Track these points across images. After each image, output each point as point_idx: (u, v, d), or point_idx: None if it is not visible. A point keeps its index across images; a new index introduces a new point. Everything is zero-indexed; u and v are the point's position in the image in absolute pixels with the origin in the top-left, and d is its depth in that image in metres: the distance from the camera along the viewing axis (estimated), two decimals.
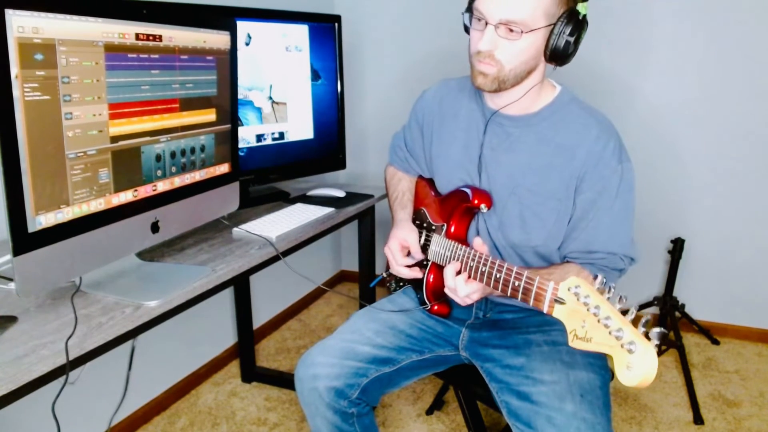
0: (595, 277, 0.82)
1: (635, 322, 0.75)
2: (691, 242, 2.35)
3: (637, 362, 0.70)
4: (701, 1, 2.17)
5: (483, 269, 1.05)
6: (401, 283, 1.41)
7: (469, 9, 1.12)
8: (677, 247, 2.19)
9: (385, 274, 1.43)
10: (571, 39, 1.06)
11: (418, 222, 1.35)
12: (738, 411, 1.97)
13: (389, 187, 1.49)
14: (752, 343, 2.42)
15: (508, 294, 0.99)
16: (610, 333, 0.75)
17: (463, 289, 1.08)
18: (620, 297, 0.78)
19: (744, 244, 2.35)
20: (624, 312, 0.77)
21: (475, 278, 1.07)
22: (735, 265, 2.38)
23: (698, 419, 1.90)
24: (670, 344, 2.16)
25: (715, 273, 2.41)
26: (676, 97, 2.29)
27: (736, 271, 2.38)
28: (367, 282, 1.99)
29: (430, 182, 1.38)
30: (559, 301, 0.85)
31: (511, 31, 1.05)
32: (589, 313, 0.78)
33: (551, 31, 1.06)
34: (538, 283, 0.92)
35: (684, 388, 2.08)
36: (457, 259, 1.12)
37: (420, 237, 1.31)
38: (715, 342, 2.42)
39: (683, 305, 2.29)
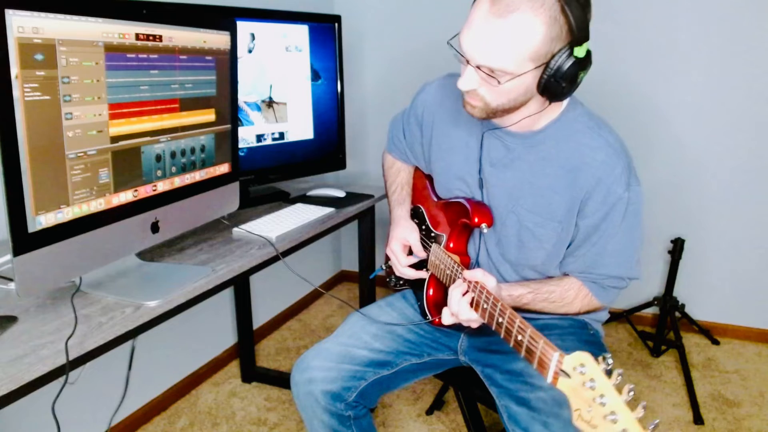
0: (603, 358, 0.76)
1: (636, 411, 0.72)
2: (691, 242, 2.35)
3: None
4: (707, 2, 2.17)
5: (485, 306, 0.99)
6: (401, 281, 1.40)
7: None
8: (677, 247, 2.19)
9: (384, 267, 1.42)
10: (564, 82, 0.96)
11: (416, 220, 1.34)
12: (738, 411, 1.97)
13: (387, 176, 1.46)
14: (752, 343, 2.42)
15: (510, 345, 0.92)
16: (617, 431, 0.71)
17: (464, 314, 1.03)
18: (630, 390, 0.73)
19: (744, 244, 2.35)
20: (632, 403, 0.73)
21: (476, 310, 1.02)
22: (735, 265, 2.38)
23: (698, 419, 1.90)
24: (670, 344, 2.16)
25: (715, 273, 2.41)
26: (677, 97, 2.29)
27: (736, 271, 2.38)
28: (367, 282, 1.99)
29: (429, 178, 1.36)
30: (564, 373, 0.80)
31: (491, 75, 0.96)
32: (595, 403, 0.74)
33: (543, 71, 0.96)
34: (542, 349, 0.84)
35: (684, 388, 2.08)
36: (455, 282, 1.08)
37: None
38: (715, 342, 2.42)
39: (683, 305, 2.29)
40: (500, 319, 0.94)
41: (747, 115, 2.22)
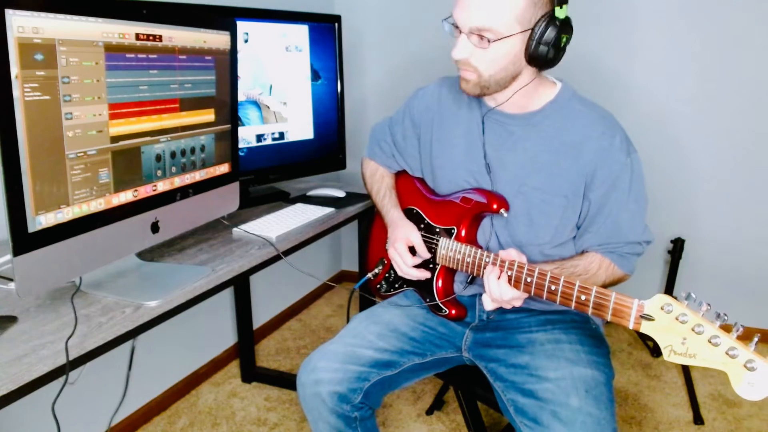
0: (687, 296, 0.85)
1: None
2: (691, 242, 2.35)
3: (761, 379, 0.77)
4: (707, 2, 2.17)
5: (529, 279, 1.04)
6: (396, 285, 1.40)
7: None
8: (677, 247, 2.19)
9: (371, 276, 1.41)
10: (548, 47, 1.04)
11: (411, 222, 1.35)
12: (738, 411, 1.97)
13: (371, 183, 1.48)
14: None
15: (572, 307, 0.99)
16: (722, 352, 0.79)
17: (508, 294, 1.08)
18: (718, 314, 0.82)
19: (744, 244, 2.35)
20: (724, 328, 0.81)
21: (518, 288, 1.07)
22: (735, 265, 2.38)
23: (698, 419, 1.90)
24: None
25: (715, 273, 2.41)
26: (676, 95, 2.29)
27: (736, 271, 2.38)
28: (361, 287, 1.97)
29: (420, 181, 1.38)
30: (646, 317, 0.88)
31: (481, 38, 1.04)
32: (692, 332, 0.82)
33: (529, 37, 1.05)
34: (617, 300, 0.93)
35: (684, 388, 2.08)
36: (485, 266, 1.12)
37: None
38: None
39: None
40: (553, 287, 1.01)
41: (747, 116, 2.22)
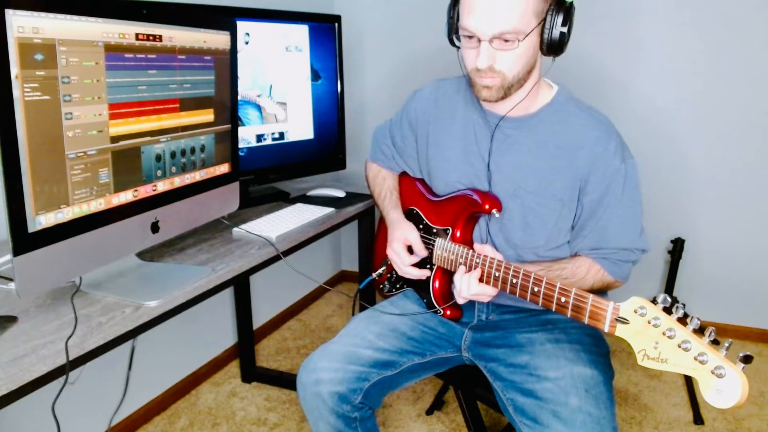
0: (663, 299, 0.83)
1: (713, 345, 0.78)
2: (691, 242, 2.35)
3: (729, 386, 0.73)
4: (708, 2, 2.17)
5: (515, 281, 1.05)
6: (398, 285, 1.40)
7: (454, 29, 1.13)
8: (677, 247, 2.19)
9: (375, 276, 1.42)
10: (565, 29, 1.06)
11: (411, 222, 1.35)
12: (738, 411, 1.97)
13: (374, 185, 1.49)
14: (752, 343, 2.42)
15: (552, 309, 0.99)
16: (691, 357, 0.77)
17: (474, 289, 1.11)
18: (691, 317, 0.79)
19: (744, 244, 2.35)
20: (698, 332, 0.78)
21: (504, 289, 1.08)
22: (735, 265, 2.38)
23: (698, 419, 1.90)
24: None
25: (715, 273, 2.41)
26: (674, 95, 2.29)
27: (736, 271, 2.38)
28: (363, 289, 1.97)
29: (421, 182, 1.38)
30: (621, 320, 0.85)
31: (507, 41, 1.04)
32: (663, 336, 0.79)
33: (543, 27, 1.06)
34: (593, 302, 0.91)
35: (684, 388, 2.08)
36: (475, 267, 1.13)
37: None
38: (715, 342, 2.41)
39: (683, 305, 2.29)
40: (536, 289, 1.01)
41: (747, 116, 2.22)
